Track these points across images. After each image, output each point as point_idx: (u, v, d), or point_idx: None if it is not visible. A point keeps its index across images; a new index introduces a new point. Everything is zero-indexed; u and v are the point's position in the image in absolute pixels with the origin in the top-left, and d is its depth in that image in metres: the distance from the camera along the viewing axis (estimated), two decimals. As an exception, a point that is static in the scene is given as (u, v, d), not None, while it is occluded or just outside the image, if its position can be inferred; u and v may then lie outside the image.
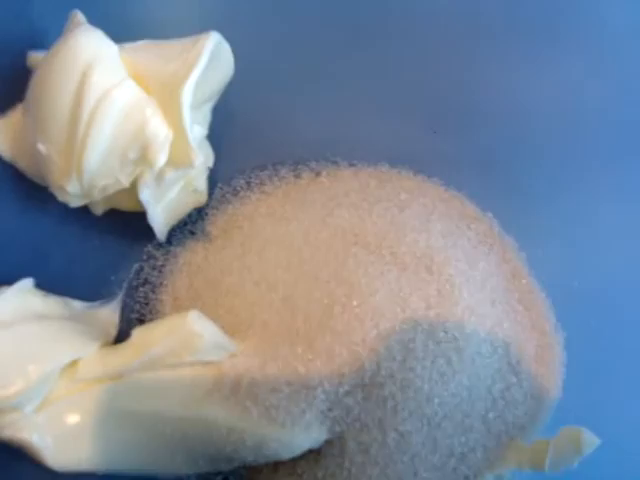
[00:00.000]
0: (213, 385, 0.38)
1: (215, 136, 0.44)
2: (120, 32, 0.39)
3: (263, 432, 0.37)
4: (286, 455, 0.37)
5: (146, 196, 0.39)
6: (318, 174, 0.47)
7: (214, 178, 0.45)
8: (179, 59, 0.37)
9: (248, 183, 0.46)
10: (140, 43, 0.39)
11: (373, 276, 0.40)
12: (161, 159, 0.37)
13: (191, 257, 0.45)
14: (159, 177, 0.38)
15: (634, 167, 0.46)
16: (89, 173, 0.37)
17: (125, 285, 0.44)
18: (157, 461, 0.38)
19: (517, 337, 0.41)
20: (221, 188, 0.46)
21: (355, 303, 0.39)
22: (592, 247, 0.45)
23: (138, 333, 0.38)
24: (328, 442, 0.38)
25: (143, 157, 0.37)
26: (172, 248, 0.45)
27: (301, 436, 0.37)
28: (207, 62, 0.38)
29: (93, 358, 0.38)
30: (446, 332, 0.39)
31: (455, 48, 0.47)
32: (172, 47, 0.38)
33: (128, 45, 0.38)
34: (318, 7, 0.47)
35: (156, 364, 0.37)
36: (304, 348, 0.38)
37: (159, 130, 0.36)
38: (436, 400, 0.38)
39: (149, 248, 0.45)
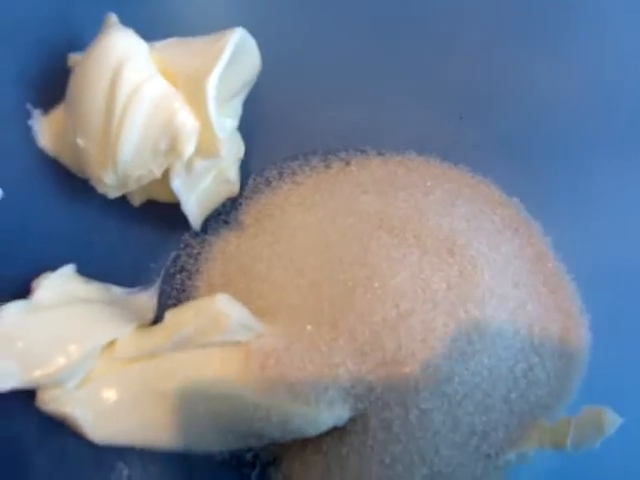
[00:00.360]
0: (241, 364, 0.39)
1: (248, 128, 0.46)
2: (152, 31, 0.41)
3: (288, 409, 0.38)
4: (311, 431, 0.39)
5: (178, 185, 0.41)
6: (348, 163, 0.48)
7: (247, 169, 0.48)
8: (204, 54, 0.39)
9: (280, 173, 0.48)
10: (169, 40, 0.41)
11: (395, 259, 0.41)
12: (189, 149, 0.39)
13: (225, 245, 0.47)
14: (189, 167, 0.41)
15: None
16: (124, 164, 0.39)
17: (163, 272, 0.46)
18: (190, 437, 0.40)
19: (541, 318, 0.42)
20: (254, 179, 0.48)
21: (377, 284, 0.40)
22: (618, 231, 0.44)
23: (170, 315, 0.40)
24: (352, 420, 0.39)
25: (172, 148, 0.39)
26: (207, 237, 0.47)
27: (325, 413, 0.38)
28: (231, 57, 0.40)
29: (129, 339, 0.41)
30: (467, 312, 0.39)
31: (479, 36, 0.47)
32: (198, 43, 0.40)
33: (158, 43, 0.40)
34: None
35: (187, 344, 0.39)
36: (328, 328, 0.40)
37: (186, 122, 0.38)
38: (456, 379, 0.39)
39: (186, 237, 0.47)
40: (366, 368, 0.38)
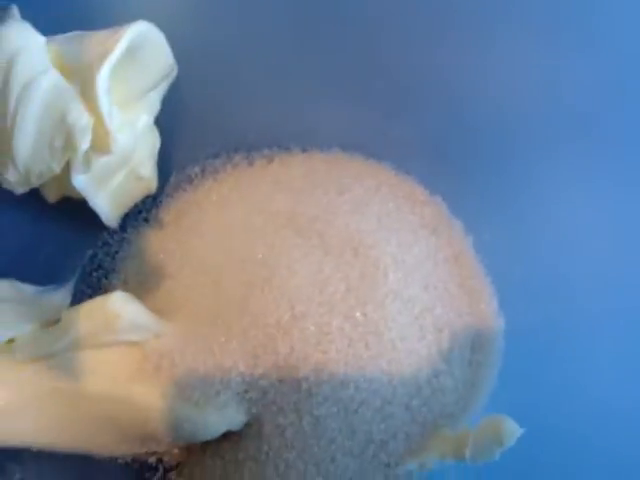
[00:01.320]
0: (137, 365, 0.38)
1: (170, 125, 0.45)
2: (60, 24, 0.41)
3: (178, 412, 0.37)
4: (201, 436, 0.38)
5: (80, 182, 0.40)
6: (271, 161, 0.47)
7: (169, 166, 0.47)
8: (100, 48, 0.38)
9: (202, 171, 0.47)
10: (70, 34, 0.40)
11: (295, 259, 0.40)
12: (83, 145, 0.38)
13: (143, 243, 0.46)
14: (88, 164, 0.39)
15: (586, 155, 0.43)
16: (22, 160, 0.38)
17: (79, 270, 0.45)
18: (87, 439, 0.39)
19: (451, 323, 0.40)
20: (176, 176, 0.47)
21: (273, 285, 0.39)
22: (540, 235, 0.43)
23: (66, 314, 0.40)
24: (247, 424, 0.38)
25: (68, 143, 0.38)
26: (126, 235, 0.46)
27: (214, 417, 0.37)
28: (132, 50, 0.39)
29: (28, 338, 0.40)
30: (365, 315, 0.38)
31: (403, 35, 0.45)
32: (98, 37, 0.39)
33: (58, 37, 0.40)
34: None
35: (82, 344, 0.39)
36: (222, 330, 0.38)
37: (80, 117, 0.37)
38: (352, 384, 0.37)
39: (104, 235, 0.46)
40: (259, 372, 0.37)
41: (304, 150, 0.47)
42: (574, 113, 0.43)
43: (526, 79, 0.43)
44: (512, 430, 0.35)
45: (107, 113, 0.38)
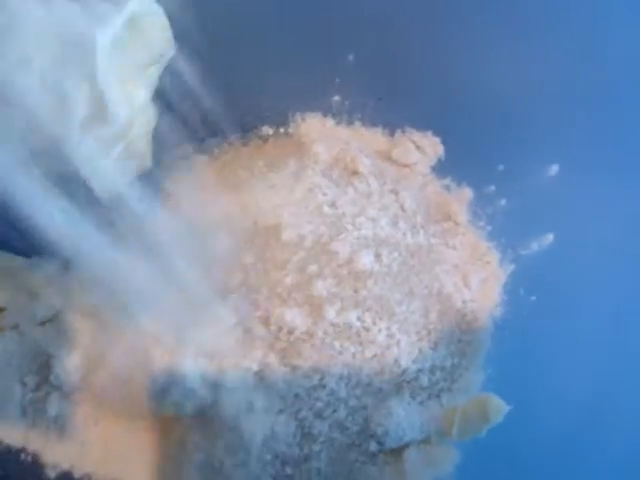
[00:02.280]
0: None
1: (166, 103, 0.46)
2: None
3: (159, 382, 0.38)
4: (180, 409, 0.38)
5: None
6: (266, 141, 0.48)
7: (166, 144, 0.47)
8: (101, 18, 0.38)
9: (197, 149, 0.48)
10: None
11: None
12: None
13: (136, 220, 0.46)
14: (91, 134, 0.40)
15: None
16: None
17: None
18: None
19: (441, 302, 0.41)
20: (170, 154, 0.47)
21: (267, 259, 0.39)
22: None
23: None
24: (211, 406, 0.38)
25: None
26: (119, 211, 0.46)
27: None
28: (129, 22, 0.39)
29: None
30: (356, 291, 0.38)
31: (400, 19, 0.46)
32: (99, 7, 0.39)
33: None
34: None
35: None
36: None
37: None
38: (340, 360, 0.37)
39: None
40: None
41: (297, 131, 0.47)
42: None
43: (529, 68, 0.45)
44: (498, 407, 0.36)
45: (106, 85, 0.38)
